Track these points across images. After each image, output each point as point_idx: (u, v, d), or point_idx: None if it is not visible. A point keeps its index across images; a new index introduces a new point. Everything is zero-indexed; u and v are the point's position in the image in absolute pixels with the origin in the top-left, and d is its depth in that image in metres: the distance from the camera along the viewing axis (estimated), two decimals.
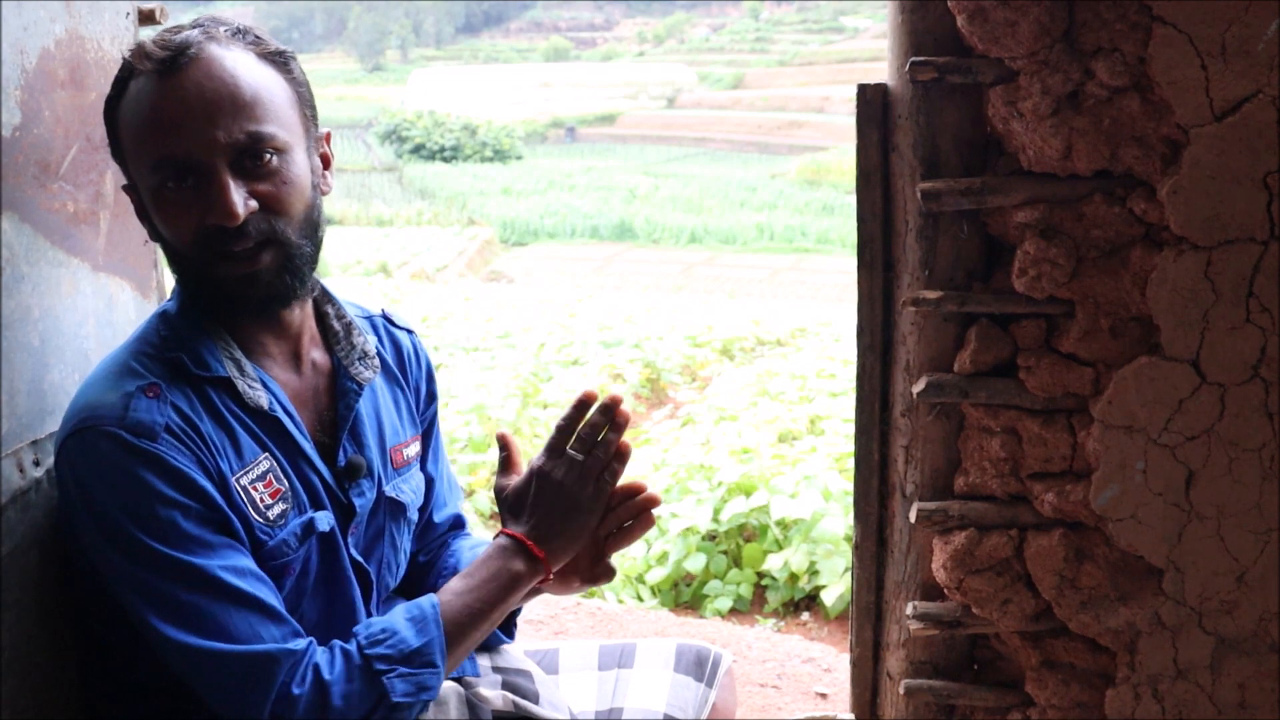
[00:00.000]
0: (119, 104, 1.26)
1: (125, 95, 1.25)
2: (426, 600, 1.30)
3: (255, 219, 1.23)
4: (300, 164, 1.28)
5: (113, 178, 1.54)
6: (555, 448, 1.38)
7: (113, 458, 1.19)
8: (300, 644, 1.21)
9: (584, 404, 1.39)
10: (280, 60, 1.30)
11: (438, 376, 1.63)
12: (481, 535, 1.66)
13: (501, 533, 1.37)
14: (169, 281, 1.67)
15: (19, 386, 1.33)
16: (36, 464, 1.35)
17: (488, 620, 1.33)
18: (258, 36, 1.29)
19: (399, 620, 1.27)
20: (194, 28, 1.26)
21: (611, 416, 1.38)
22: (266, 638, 1.20)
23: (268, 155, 1.24)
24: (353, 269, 20.75)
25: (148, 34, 1.54)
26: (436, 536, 1.61)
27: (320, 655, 1.22)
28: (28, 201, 1.35)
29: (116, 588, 1.21)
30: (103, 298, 1.52)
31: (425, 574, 1.58)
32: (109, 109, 1.28)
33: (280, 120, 1.26)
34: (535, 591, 1.40)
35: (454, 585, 1.33)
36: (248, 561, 1.23)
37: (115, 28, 1.57)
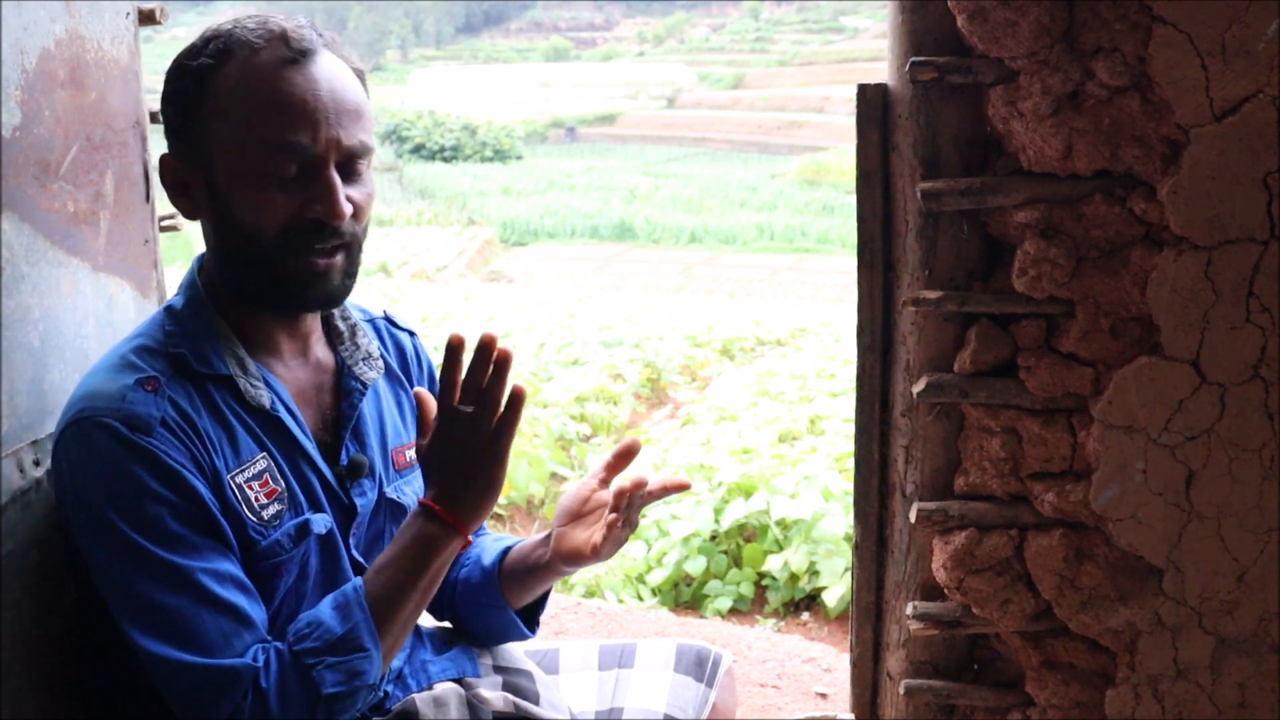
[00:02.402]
0: (218, 72, 1.24)
1: (231, 67, 1.24)
2: (350, 585, 1.28)
3: (349, 222, 1.28)
4: (373, 177, 1.34)
5: (112, 178, 1.54)
6: (443, 404, 1.27)
7: (106, 449, 1.19)
8: (262, 656, 1.21)
9: (454, 350, 1.26)
10: (362, 76, 1.35)
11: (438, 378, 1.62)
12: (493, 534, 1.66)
13: (418, 500, 1.32)
14: (169, 281, 1.67)
15: (19, 386, 1.33)
16: (37, 464, 1.35)
17: (416, 590, 1.27)
18: (344, 52, 1.34)
19: (324, 610, 1.25)
20: (302, 27, 1.28)
21: (489, 358, 1.25)
22: (238, 646, 1.19)
23: (362, 165, 1.30)
24: None
25: (148, 32, 1.54)
26: None
27: (260, 659, 1.21)
28: (28, 201, 1.35)
29: (98, 582, 1.21)
30: (103, 298, 1.52)
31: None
32: (200, 73, 1.25)
33: (371, 133, 1.32)
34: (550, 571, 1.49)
35: (376, 562, 1.30)
36: (231, 566, 1.22)
37: (115, 28, 1.57)
